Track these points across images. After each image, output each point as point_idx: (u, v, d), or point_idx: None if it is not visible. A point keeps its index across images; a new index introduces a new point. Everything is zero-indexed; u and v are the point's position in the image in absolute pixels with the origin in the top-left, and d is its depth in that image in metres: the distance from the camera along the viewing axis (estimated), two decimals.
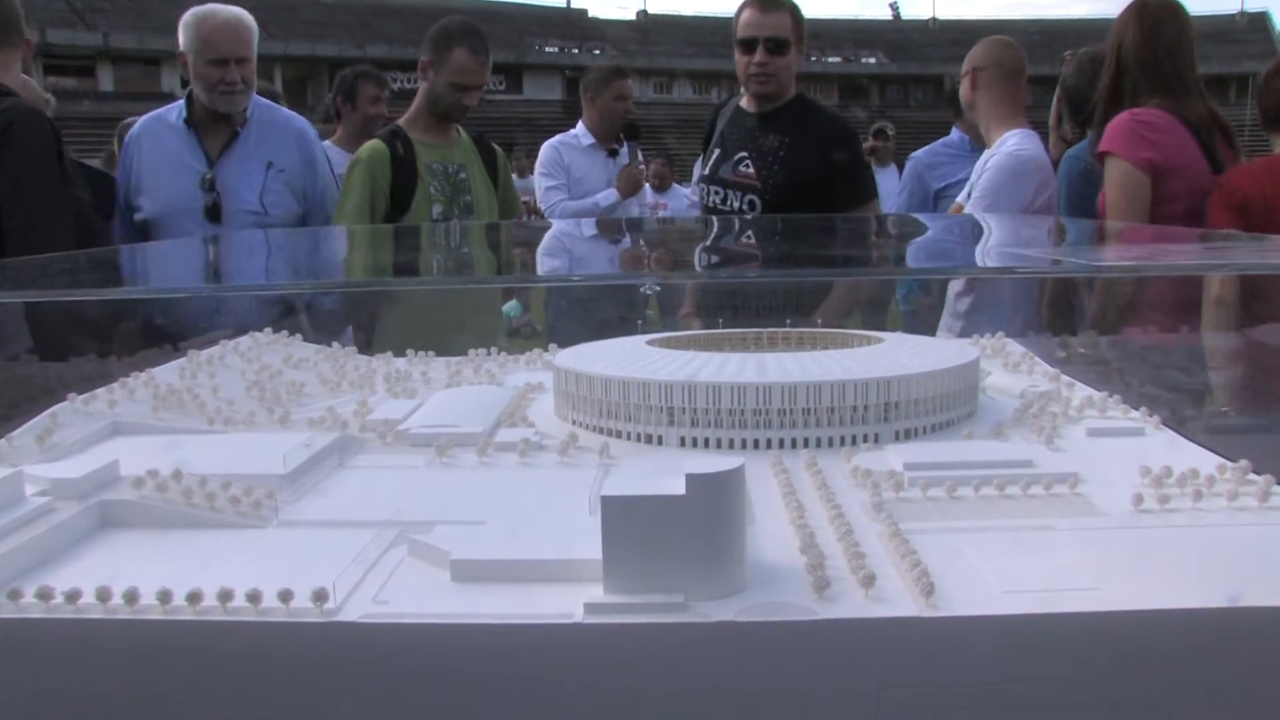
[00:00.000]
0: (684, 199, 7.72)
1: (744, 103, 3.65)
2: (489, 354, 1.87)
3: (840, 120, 3.85)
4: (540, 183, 5.00)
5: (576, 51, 55.75)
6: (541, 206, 4.99)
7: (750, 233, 3.02)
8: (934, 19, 61.66)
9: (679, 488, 0.78)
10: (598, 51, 57.13)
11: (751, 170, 3.62)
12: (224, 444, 1.27)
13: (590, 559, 0.83)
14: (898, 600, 0.80)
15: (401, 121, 3.66)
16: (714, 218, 3.59)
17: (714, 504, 0.79)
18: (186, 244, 3.02)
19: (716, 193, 3.65)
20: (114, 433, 1.33)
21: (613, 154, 4.91)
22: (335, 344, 1.90)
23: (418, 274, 2.37)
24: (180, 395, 1.44)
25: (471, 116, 3.91)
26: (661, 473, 0.84)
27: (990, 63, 3.77)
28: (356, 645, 0.77)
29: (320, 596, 0.78)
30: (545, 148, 5.06)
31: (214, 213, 3.30)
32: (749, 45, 3.52)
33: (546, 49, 54.66)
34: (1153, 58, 2.89)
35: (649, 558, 0.78)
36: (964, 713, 0.77)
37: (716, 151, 3.66)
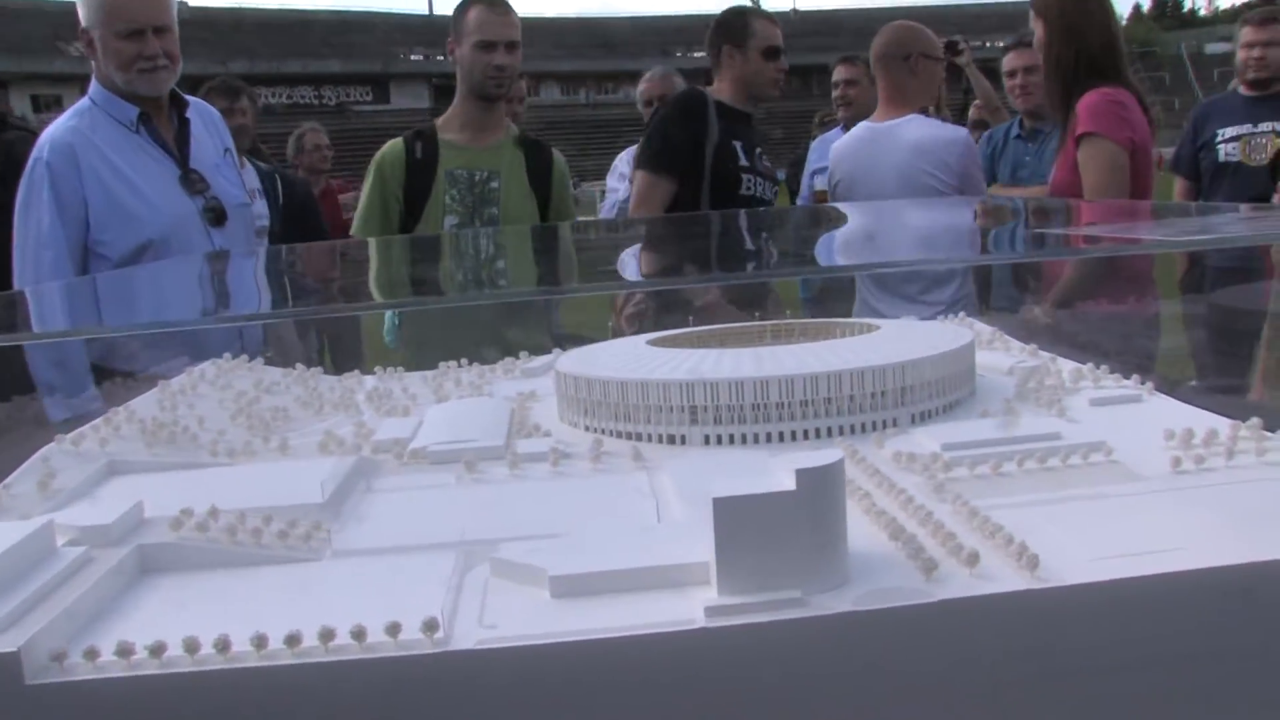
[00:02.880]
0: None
1: (730, 100, 3.59)
2: (459, 365, 1.84)
3: None
4: None
5: (443, 59, 55.20)
6: None
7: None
8: (794, 10, 62.64)
9: (786, 484, 0.78)
10: None
11: (768, 163, 3.70)
12: (244, 476, 1.23)
13: (691, 563, 0.82)
14: (1003, 576, 0.81)
15: (439, 120, 3.38)
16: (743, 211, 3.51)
17: (822, 497, 0.79)
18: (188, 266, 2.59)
19: (758, 183, 3.59)
20: (111, 472, 1.28)
21: None
22: (299, 365, 1.84)
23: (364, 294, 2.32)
24: (170, 429, 1.39)
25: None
26: (734, 471, 0.84)
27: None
28: (478, 673, 0.75)
29: (431, 626, 0.76)
30: None
31: (218, 217, 2.77)
32: (776, 53, 3.60)
33: (412, 57, 54.08)
34: (1110, 38, 2.99)
35: (762, 556, 0.78)
36: (1082, 676, 0.78)
37: (739, 144, 3.55)
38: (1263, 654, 0.79)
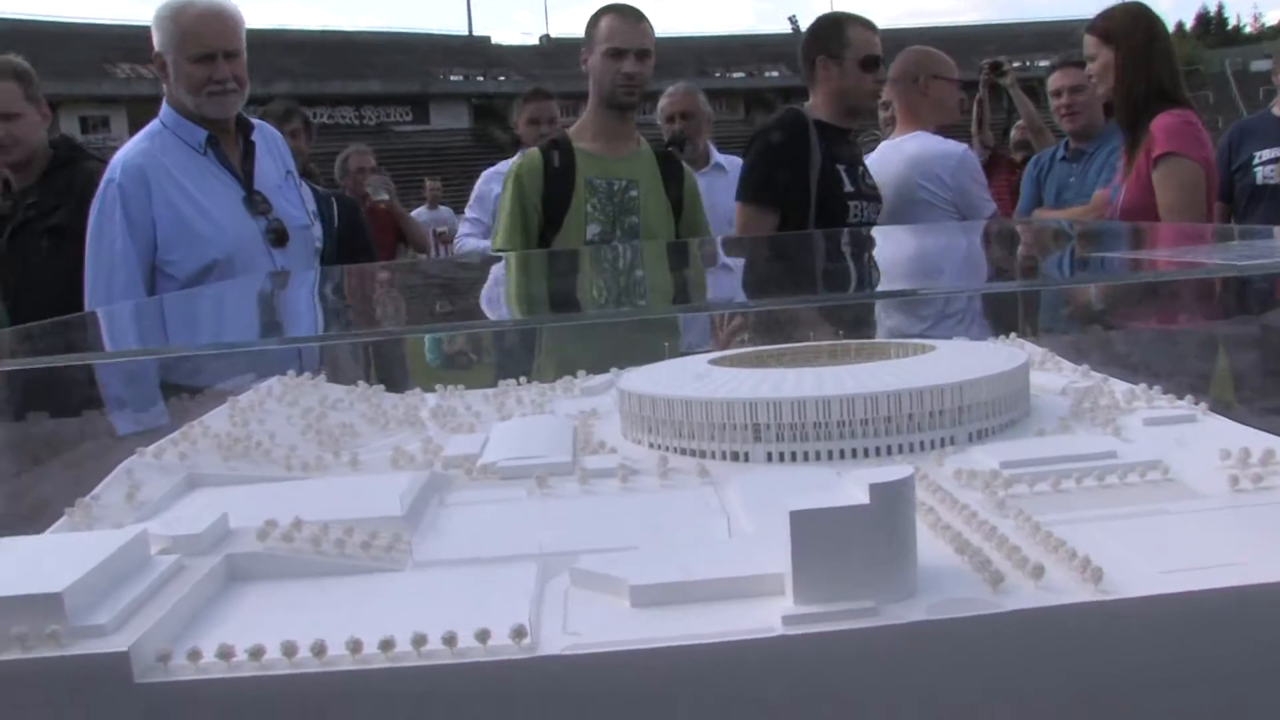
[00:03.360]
0: None
1: (828, 117, 3.43)
2: (518, 383, 1.88)
3: None
4: (466, 213, 4.86)
5: (481, 79, 55.73)
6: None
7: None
8: None
9: (859, 497, 0.81)
10: (503, 78, 57.17)
11: (871, 181, 3.54)
12: (321, 490, 1.27)
13: (765, 573, 0.85)
14: (1069, 588, 0.83)
15: (571, 130, 3.34)
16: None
17: (894, 510, 0.82)
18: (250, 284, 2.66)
19: (864, 208, 3.43)
20: (191, 485, 1.33)
21: None
22: (360, 383, 1.89)
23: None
24: (244, 444, 1.44)
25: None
26: (800, 487, 0.87)
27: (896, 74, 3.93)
28: (566, 679, 0.78)
29: (519, 633, 0.79)
30: (479, 180, 4.89)
31: (280, 238, 2.85)
32: (876, 63, 3.44)
33: (452, 78, 54.55)
34: (1174, 64, 3.06)
35: (836, 566, 0.81)
36: (1148, 689, 0.80)
37: (843, 167, 3.40)
38: None
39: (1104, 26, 3.16)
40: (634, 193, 3.22)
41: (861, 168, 3.50)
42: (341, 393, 1.83)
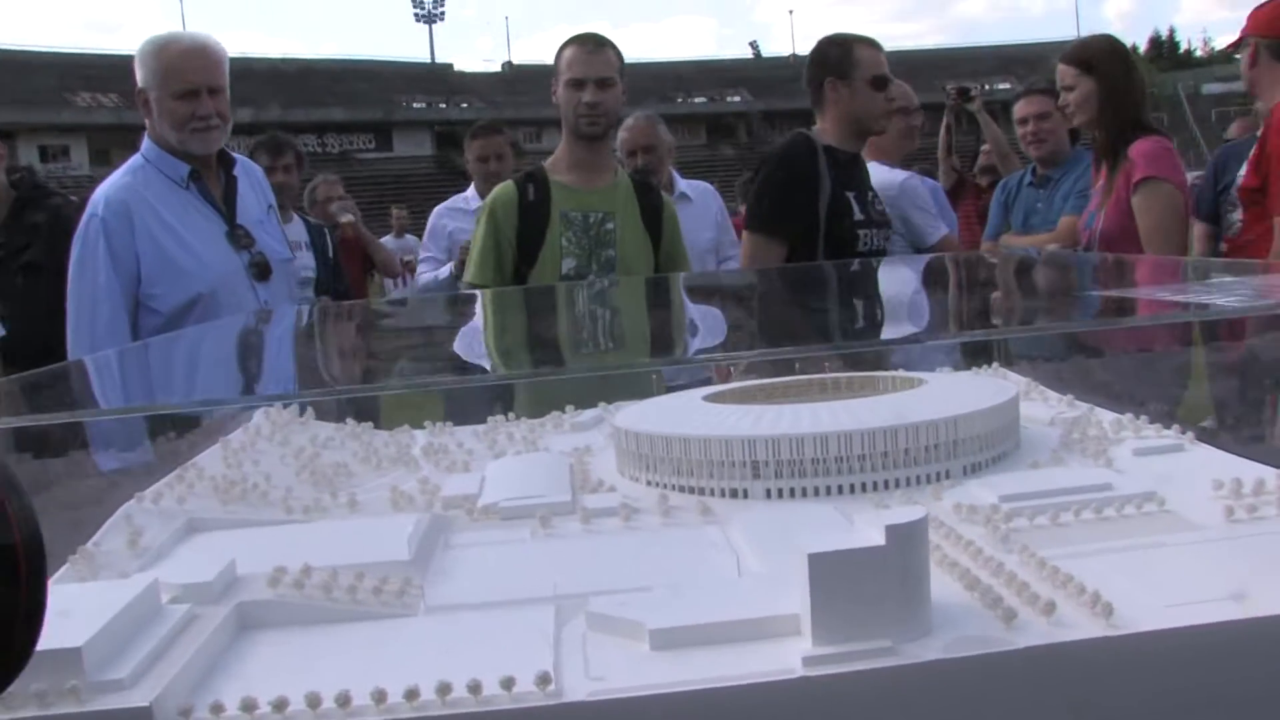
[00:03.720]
0: None
1: (837, 142, 3.36)
2: (506, 419, 1.89)
3: None
4: (420, 253, 4.76)
5: (444, 106, 55.80)
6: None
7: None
8: (794, 54, 63.24)
9: (875, 539, 0.83)
10: (465, 105, 57.27)
11: (881, 206, 3.48)
12: (325, 533, 1.27)
13: (781, 614, 0.87)
14: (1081, 623, 0.85)
15: (548, 162, 3.28)
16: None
17: (909, 550, 0.84)
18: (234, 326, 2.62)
19: (873, 236, 3.36)
20: (192, 529, 1.32)
21: None
22: (349, 420, 1.89)
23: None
24: (241, 486, 1.44)
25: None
26: (802, 526, 0.88)
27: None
28: None
29: (544, 680, 0.80)
30: (432, 215, 4.80)
31: (263, 272, 2.84)
32: (885, 82, 3.38)
33: (414, 105, 54.59)
34: (1145, 93, 3.13)
35: (854, 607, 0.82)
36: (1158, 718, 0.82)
37: (852, 194, 3.32)
38: None
39: (1084, 57, 3.23)
40: (610, 225, 3.19)
41: (871, 193, 3.45)
42: (331, 430, 1.83)
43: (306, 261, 4.30)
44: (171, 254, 2.73)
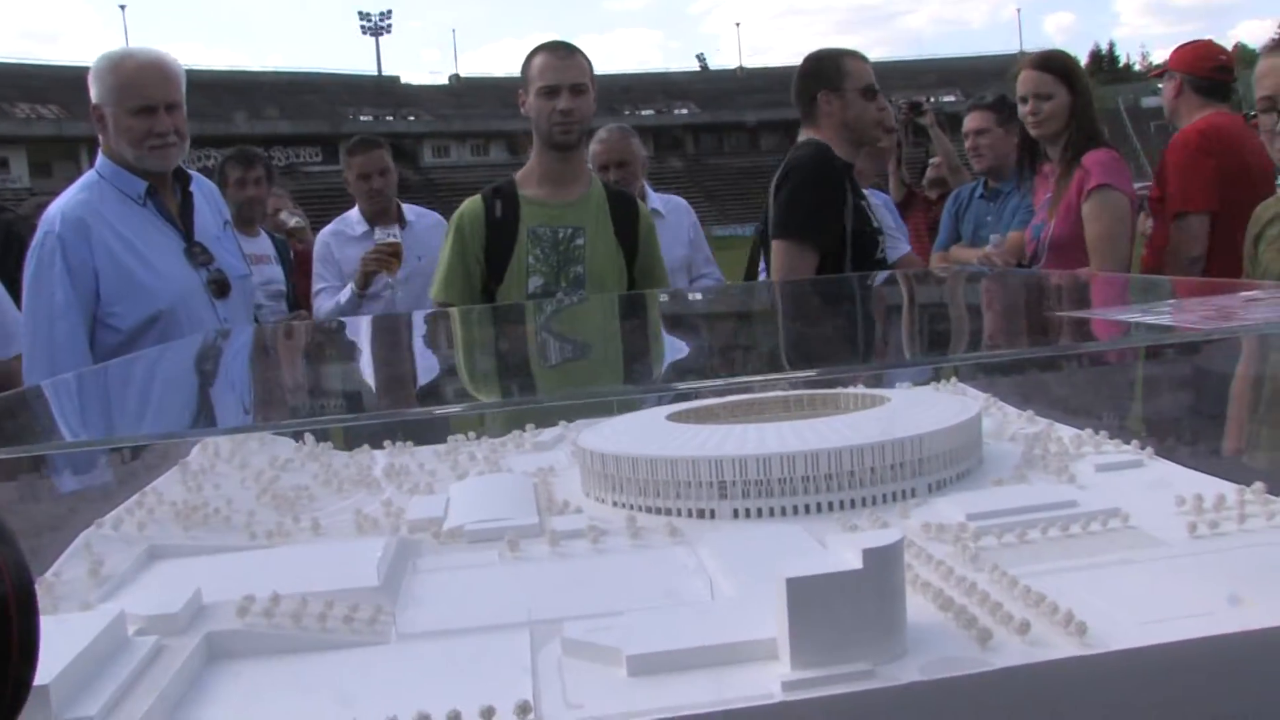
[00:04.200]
0: None
1: (836, 153, 3.28)
2: (467, 439, 1.88)
3: None
4: (315, 282, 4.33)
5: (391, 119, 55.56)
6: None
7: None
8: (740, 68, 63.66)
9: (851, 562, 0.83)
10: (412, 118, 57.07)
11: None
12: (290, 559, 1.26)
13: (758, 639, 0.87)
14: (1055, 642, 0.86)
15: (519, 174, 3.15)
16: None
17: (885, 574, 0.84)
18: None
19: (881, 242, 3.31)
20: (153, 557, 1.30)
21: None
22: (308, 438, 1.86)
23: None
24: (202, 511, 1.42)
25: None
26: (772, 547, 0.88)
27: None
28: None
29: (524, 709, 0.80)
30: (317, 241, 4.46)
31: (222, 289, 2.78)
32: (875, 91, 3.33)
33: (361, 118, 54.30)
34: (1094, 106, 3.23)
35: (831, 631, 0.83)
36: None
37: (863, 202, 3.27)
38: None
39: (1063, 67, 3.30)
40: (580, 241, 3.08)
41: (865, 201, 3.41)
42: (290, 450, 1.81)
43: (275, 275, 4.23)
44: (130, 271, 2.67)
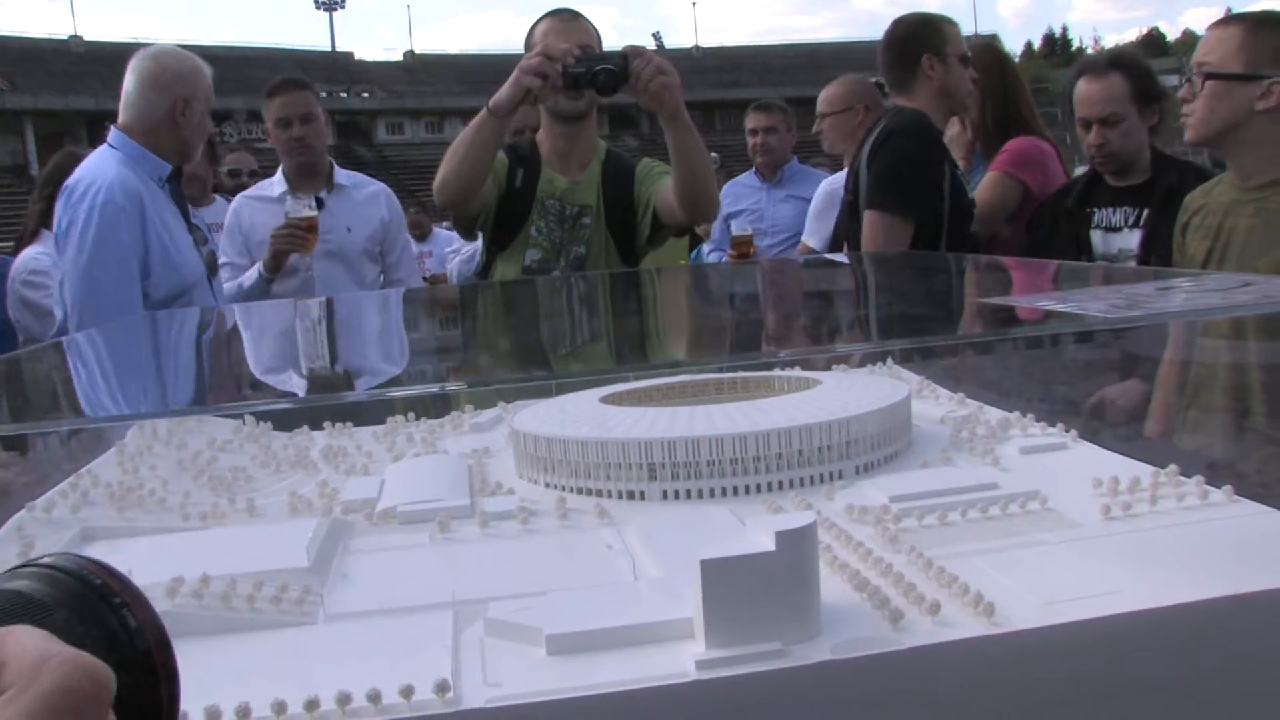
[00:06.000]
0: (446, 243, 6.71)
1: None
2: (406, 420, 1.88)
3: None
4: (220, 256, 3.64)
5: (345, 95, 55.01)
6: None
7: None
8: (697, 46, 63.53)
9: (766, 544, 0.85)
10: (366, 95, 56.54)
11: None
12: (223, 540, 1.26)
13: (675, 619, 0.89)
14: (964, 622, 0.89)
15: (539, 136, 2.95)
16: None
17: (799, 555, 0.86)
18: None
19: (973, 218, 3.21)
20: (86, 539, 1.30)
21: (319, 204, 3.60)
22: (247, 419, 1.86)
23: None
24: (137, 493, 1.42)
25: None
26: (698, 528, 0.90)
27: None
28: None
29: (443, 688, 0.81)
30: (230, 207, 3.86)
31: (212, 269, 3.06)
32: (969, 59, 3.22)
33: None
34: (1025, 93, 3.31)
35: (745, 611, 0.85)
36: (1040, 712, 0.86)
37: (959, 173, 3.14)
38: (1211, 689, 0.88)
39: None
40: (587, 220, 2.91)
41: (961, 173, 3.25)
42: (229, 432, 1.81)
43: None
44: (166, 249, 2.88)
